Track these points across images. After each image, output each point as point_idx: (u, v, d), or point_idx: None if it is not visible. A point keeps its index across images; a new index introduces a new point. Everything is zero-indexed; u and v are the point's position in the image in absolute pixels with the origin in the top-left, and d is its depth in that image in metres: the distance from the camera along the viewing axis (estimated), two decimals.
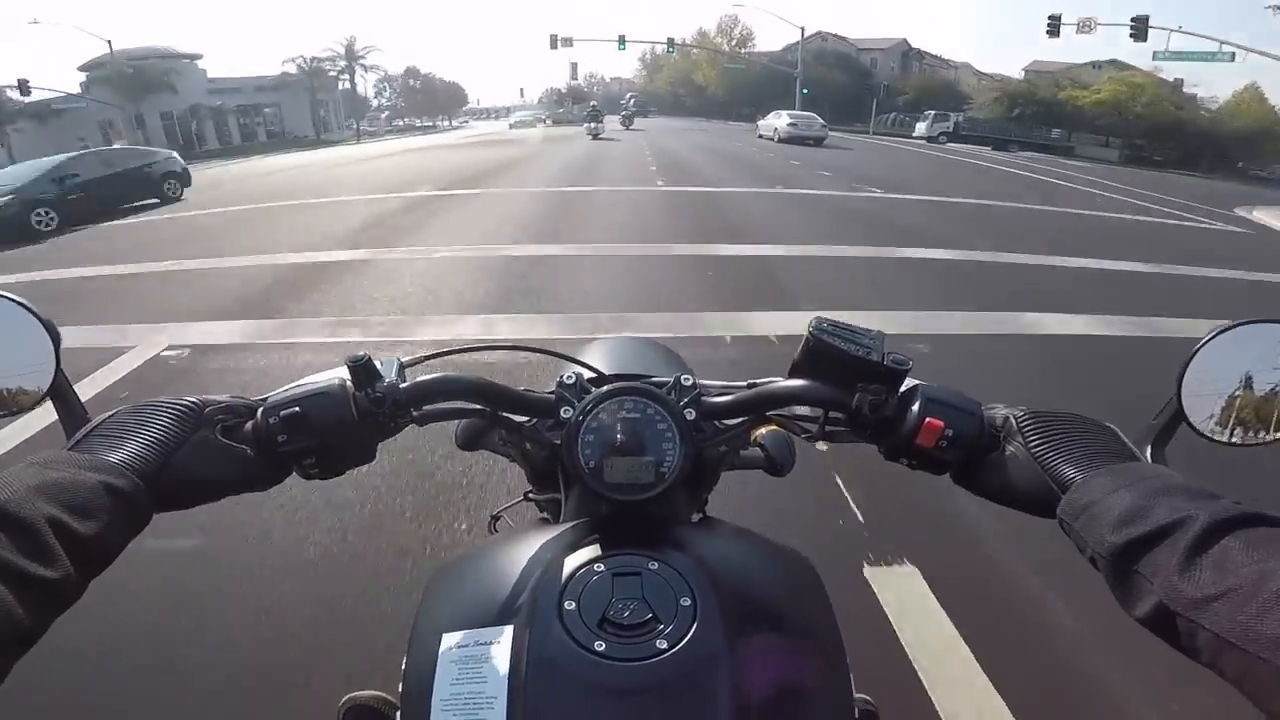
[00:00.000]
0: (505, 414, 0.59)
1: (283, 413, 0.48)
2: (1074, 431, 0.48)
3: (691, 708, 0.43)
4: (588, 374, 0.61)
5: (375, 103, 68.27)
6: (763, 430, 0.70)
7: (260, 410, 0.49)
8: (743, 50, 53.83)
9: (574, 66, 47.81)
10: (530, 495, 0.83)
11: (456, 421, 0.65)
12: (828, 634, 0.50)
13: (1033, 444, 0.48)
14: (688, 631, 0.44)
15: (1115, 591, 0.39)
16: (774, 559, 0.56)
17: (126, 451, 0.43)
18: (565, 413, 0.56)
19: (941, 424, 0.49)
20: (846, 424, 0.54)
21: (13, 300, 0.48)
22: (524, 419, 0.59)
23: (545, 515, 0.83)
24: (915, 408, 0.50)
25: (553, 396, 0.58)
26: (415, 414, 0.54)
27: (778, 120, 24.85)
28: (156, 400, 0.48)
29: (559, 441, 0.56)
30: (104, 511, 0.39)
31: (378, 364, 0.52)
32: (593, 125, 26.65)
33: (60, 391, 0.49)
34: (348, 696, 0.88)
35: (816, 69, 43.47)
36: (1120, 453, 0.47)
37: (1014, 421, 0.49)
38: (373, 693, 0.88)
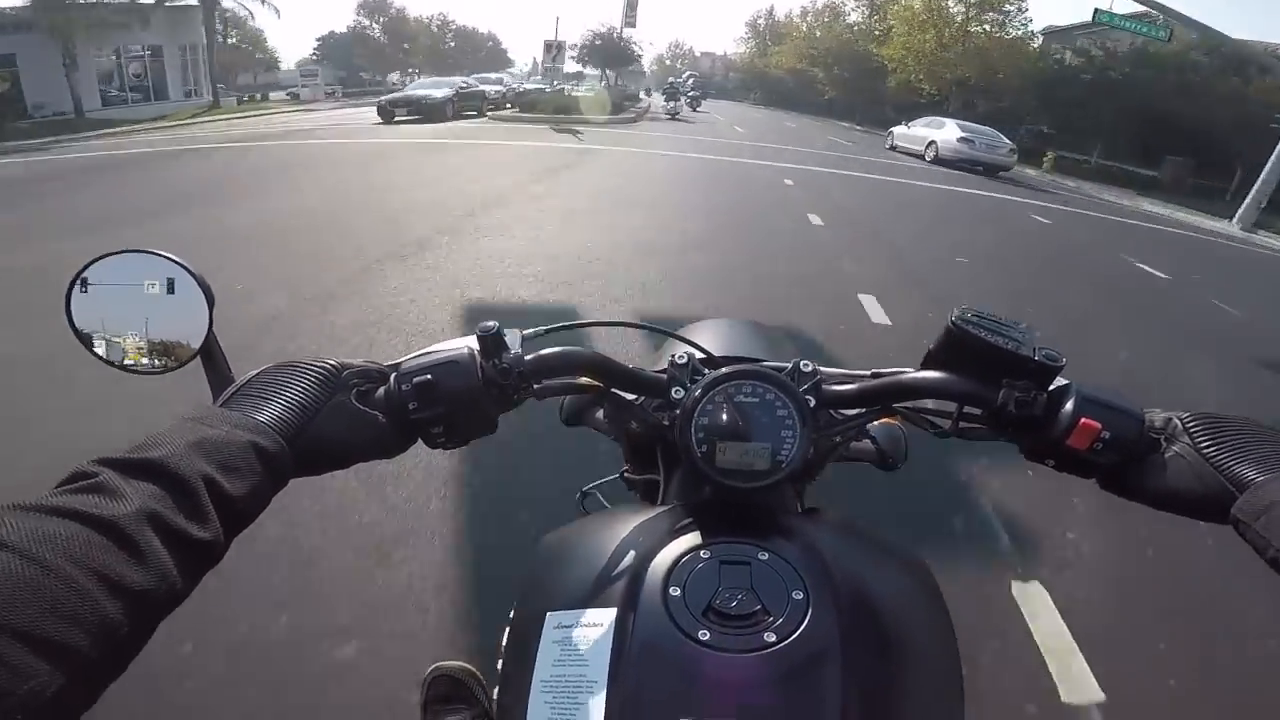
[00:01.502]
0: (616, 391, 0.58)
1: (415, 380, 0.48)
2: (1246, 433, 0.46)
3: (798, 705, 0.41)
4: (698, 355, 0.59)
5: (313, 55, 46.96)
6: (875, 422, 0.64)
7: (393, 376, 0.50)
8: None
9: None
10: (626, 474, 0.84)
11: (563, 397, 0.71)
12: (944, 642, 0.48)
13: (1203, 445, 0.46)
14: (798, 626, 0.43)
15: None
16: (890, 558, 0.54)
17: (271, 413, 0.44)
18: (676, 393, 0.55)
19: (1098, 426, 0.46)
20: (985, 420, 0.52)
21: (173, 261, 0.50)
22: (633, 397, 0.60)
23: (636, 494, 0.82)
24: (1069, 407, 0.48)
25: (664, 376, 0.57)
26: (536, 386, 0.54)
27: (938, 131, 16.60)
28: (297, 361, 0.49)
29: (667, 422, 0.56)
30: (252, 472, 0.40)
31: (505, 335, 0.52)
32: (672, 105, 22.94)
33: (210, 350, 0.51)
34: (435, 665, 1.22)
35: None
36: None
37: (1179, 423, 0.48)
38: (460, 664, 1.24)
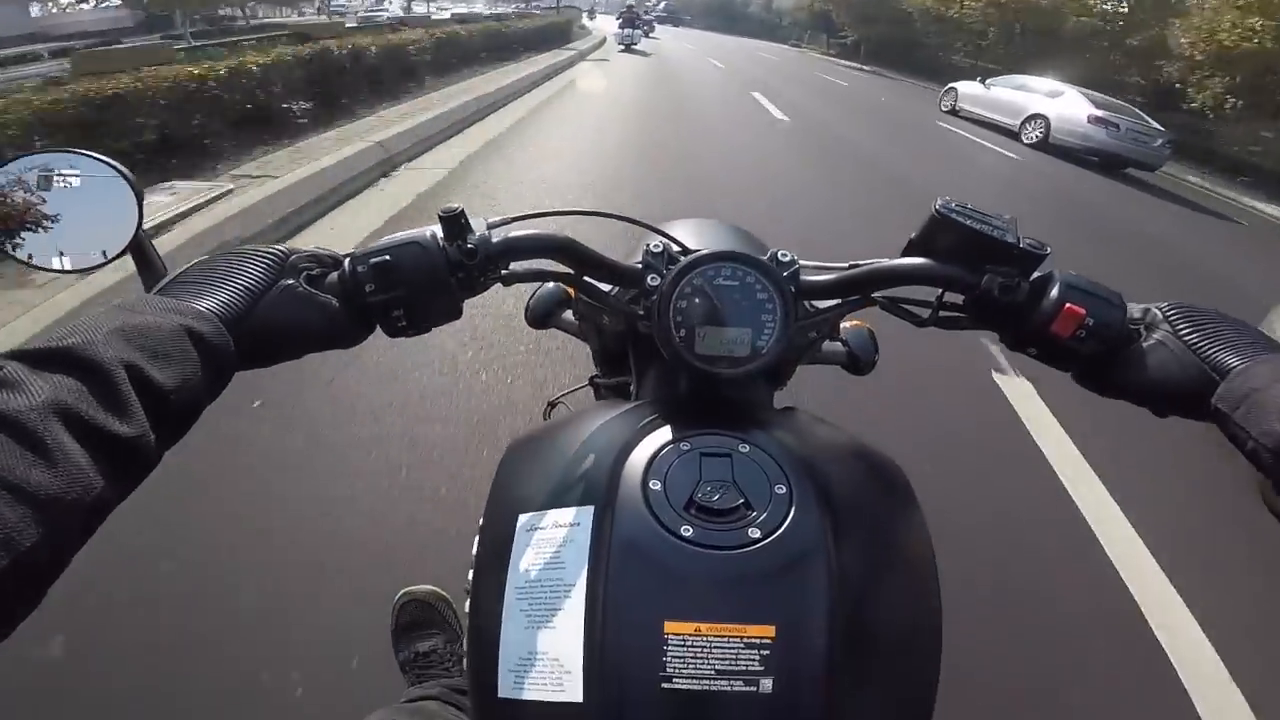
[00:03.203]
0: (589, 280, 0.57)
1: (372, 260, 0.46)
2: (1225, 323, 0.45)
3: (783, 602, 0.40)
4: (675, 247, 0.56)
5: None
6: (847, 324, 0.71)
7: (348, 259, 0.47)
8: None
9: None
10: (595, 379, 0.82)
11: (529, 297, 0.73)
12: (920, 541, 0.48)
13: (1183, 332, 0.45)
14: (782, 521, 0.42)
15: (1277, 486, 0.37)
16: (867, 457, 0.52)
17: (209, 298, 0.41)
18: (652, 280, 0.53)
19: (1083, 312, 0.46)
20: (966, 309, 0.52)
21: (97, 159, 0.48)
22: (608, 288, 0.58)
23: (607, 399, 0.82)
24: (1053, 293, 0.48)
25: (640, 265, 0.54)
26: (503, 271, 0.52)
27: (1053, 103, 10.78)
28: (239, 248, 0.45)
29: (642, 312, 0.54)
30: (186, 360, 0.36)
31: (470, 220, 0.49)
32: (628, 34, 18.39)
33: (141, 245, 0.49)
34: (403, 591, 1.26)
35: None
36: (1277, 345, 0.44)
37: (1158, 312, 0.47)
38: (429, 588, 1.27)
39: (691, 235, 0.63)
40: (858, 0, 25.57)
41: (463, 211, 0.48)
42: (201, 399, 0.37)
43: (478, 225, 0.50)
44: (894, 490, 0.50)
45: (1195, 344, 0.44)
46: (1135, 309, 0.48)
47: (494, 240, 0.49)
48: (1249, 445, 0.38)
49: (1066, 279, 0.48)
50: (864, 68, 23.44)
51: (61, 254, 0.49)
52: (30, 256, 0.48)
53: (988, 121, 12.03)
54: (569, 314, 0.75)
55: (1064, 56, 15.14)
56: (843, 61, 25.49)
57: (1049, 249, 0.48)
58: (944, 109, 13.52)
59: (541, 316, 0.75)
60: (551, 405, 0.91)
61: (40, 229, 0.48)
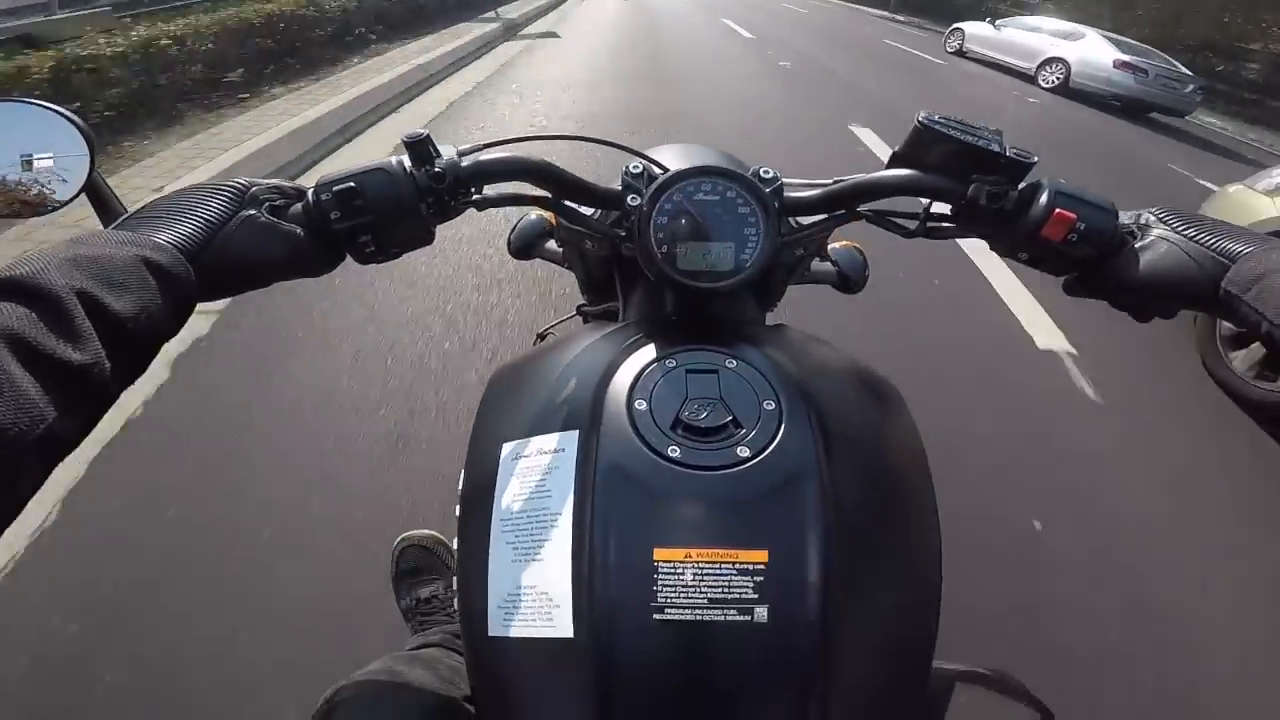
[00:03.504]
0: (569, 204, 0.55)
1: (335, 188, 0.45)
2: (1219, 222, 0.46)
3: (776, 525, 0.38)
4: (655, 169, 0.54)
5: None
6: (835, 245, 0.71)
7: (311, 189, 0.47)
8: None
9: None
10: (582, 308, 0.81)
11: (511, 226, 0.72)
12: (916, 460, 0.47)
13: (1182, 229, 0.46)
14: (772, 439, 0.41)
15: None
16: (861, 375, 0.51)
17: (168, 231, 0.40)
18: (632, 200, 0.51)
19: (1073, 217, 0.46)
20: (955, 218, 0.52)
21: (47, 108, 0.49)
22: (588, 211, 0.57)
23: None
24: (1043, 200, 0.47)
25: (619, 187, 0.53)
26: (476, 196, 0.51)
27: (1073, 46, 10.07)
28: (199, 184, 0.45)
29: (624, 233, 0.53)
30: (144, 288, 0.35)
31: (438, 145, 0.49)
32: None
33: (95, 186, 0.49)
34: (402, 536, 1.21)
35: None
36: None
37: (1152, 215, 0.48)
38: (429, 533, 1.23)
39: (672, 157, 0.59)
40: None
41: (428, 136, 0.48)
42: (161, 330, 0.36)
43: (446, 151, 0.49)
44: (888, 408, 0.49)
45: (1196, 237, 0.45)
46: (1125, 215, 0.49)
47: (464, 164, 0.49)
48: (1264, 327, 0.39)
49: (1056, 186, 0.48)
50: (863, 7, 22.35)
51: (13, 198, 0.49)
52: None
53: (1000, 64, 11.33)
54: (552, 244, 0.75)
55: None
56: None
57: (1036, 157, 0.48)
58: (949, 50, 12.77)
59: (524, 247, 0.75)
60: (540, 336, 0.91)
61: None
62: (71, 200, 0.50)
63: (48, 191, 0.49)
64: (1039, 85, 10.26)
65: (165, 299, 0.36)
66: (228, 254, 0.41)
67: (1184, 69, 9.81)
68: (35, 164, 0.49)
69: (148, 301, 0.35)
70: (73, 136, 0.49)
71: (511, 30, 9.19)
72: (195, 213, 0.41)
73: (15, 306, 0.30)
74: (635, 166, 0.53)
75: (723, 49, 9.81)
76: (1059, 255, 0.48)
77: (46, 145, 0.49)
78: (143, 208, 0.43)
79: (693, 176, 0.50)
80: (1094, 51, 9.71)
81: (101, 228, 0.44)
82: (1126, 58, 9.35)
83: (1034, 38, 10.83)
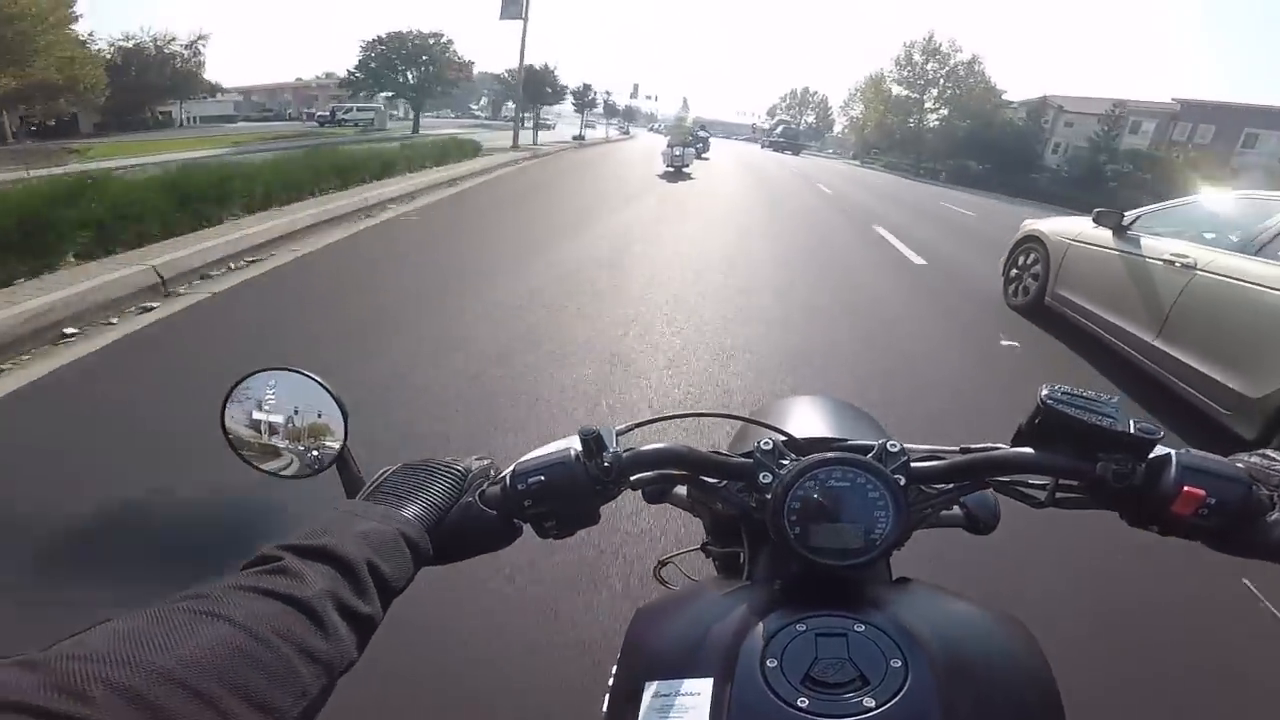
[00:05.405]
0: (704, 478, 0.60)
1: (530, 480, 0.53)
2: None
3: None
4: (781, 438, 0.61)
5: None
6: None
7: (509, 477, 0.54)
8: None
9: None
10: (708, 546, 0.85)
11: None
12: (1045, 695, 0.47)
13: None
14: (899, 691, 0.42)
15: None
16: (986, 619, 0.52)
17: (413, 509, 0.51)
18: (764, 478, 0.56)
19: (1203, 493, 0.47)
20: (1083, 491, 0.53)
21: (313, 379, 0.59)
22: (718, 481, 0.60)
23: (715, 564, 0.86)
24: (1171, 476, 0.48)
25: (749, 460, 0.58)
26: (632, 479, 0.57)
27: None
28: (426, 462, 0.55)
29: (754, 504, 0.57)
30: (401, 557, 0.45)
31: (602, 434, 0.55)
32: (679, 153, 16.85)
33: (346, 460, 0.60)
34: None
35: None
36: None
37: None
38: None
39: (800, 418, 0.73)
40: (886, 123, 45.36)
41: (599, 433, 0.54)
42: (406, 583, 0.46)
43: (608, 435, 0.55)
44: (1014, 648, 0.49)
45: None
46: (1254, 464, 0.50)
47: (624, 456, 0.55)
48: None
49: (1183, 460, 0.48)
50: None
51: (281, 459, 0.60)
52: (254, 460, 0.60)
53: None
54: (681, 489, 0.75)
55: None
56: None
57: (1161, 432, 0.48)
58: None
59: (657, 494, 0.76)
60: (662, 564, 0.91)
61: (264, 437, 0.59)
62: (326, 469, 0.59)
63: (306, 456, 0.59)
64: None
65: (411, 565, 0.47)
66: (450, 532, 0.52)
67: None
68: (298, 430, 0.59)
69: (405, 568, 0.46)
70: (330, 407, 0.59)
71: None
72: (429, 495, 0.52)
73: (329, 569, 0.40)
74: (766, 443, 0.57)
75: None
76: (1193, 527, 0.48)
77: (310, 413, 0.59)
78: (384, 480, 0.54)
79: (824, 466, 0.53)
80: None
81: (344, 491, 0.57)
82: None
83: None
